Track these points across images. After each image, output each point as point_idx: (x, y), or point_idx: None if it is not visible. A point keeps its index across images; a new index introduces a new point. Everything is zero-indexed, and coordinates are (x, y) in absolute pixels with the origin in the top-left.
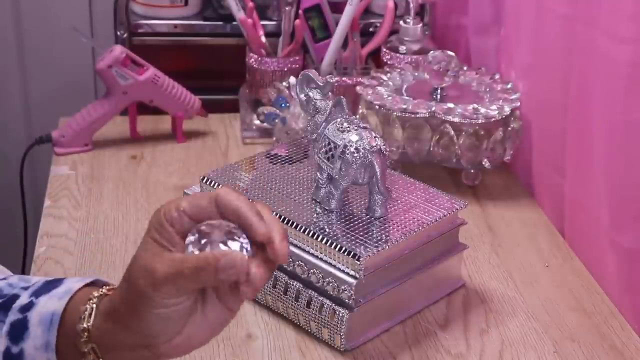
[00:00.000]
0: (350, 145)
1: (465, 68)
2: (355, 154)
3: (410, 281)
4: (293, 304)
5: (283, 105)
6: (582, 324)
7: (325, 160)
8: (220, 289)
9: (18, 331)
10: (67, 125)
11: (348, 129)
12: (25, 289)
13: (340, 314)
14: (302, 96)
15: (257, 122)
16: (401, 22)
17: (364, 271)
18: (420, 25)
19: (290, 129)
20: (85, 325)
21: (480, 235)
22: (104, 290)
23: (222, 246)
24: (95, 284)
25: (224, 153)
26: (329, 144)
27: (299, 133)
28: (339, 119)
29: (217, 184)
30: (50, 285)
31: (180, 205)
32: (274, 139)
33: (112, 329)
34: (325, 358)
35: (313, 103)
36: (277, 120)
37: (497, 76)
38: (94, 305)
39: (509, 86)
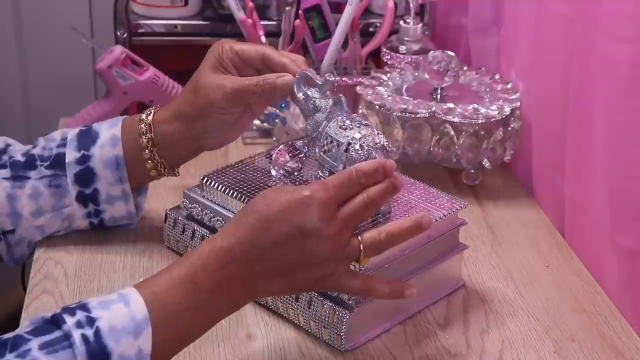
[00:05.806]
0: (355, 143)
1: (465, 68)
2: (360, 151)
3: (410, 281)
4: (293, 304)
5: (283, 105)
6: (582, 324)
7: (327, 158)
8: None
9: (86, 177)
10: (67, 125)
11: (350, 126)
12: (62, 146)
13: (340, 314)
14: (300, 95)
15: (257, 122)
16: (401, 22)
17: (364, 271)
18: (420, 25)
19: (290, 129)
20: (146, 138)
21: (480, 235)
22: (150, 111)
23: None
24: (124, 121)
25: (224, 153)
26: (331, 142)
27: (299, 133)
28: (340, 117)
29: (217, 184)
30: (87, 138)
31: (235, 49)
32: (274, 139)
33: (174, 127)
34: (325, 358)
35: (312, 102)
36: (277, 120)
37: (497, 76)
38: (150, 122)
39: (509, 86)
